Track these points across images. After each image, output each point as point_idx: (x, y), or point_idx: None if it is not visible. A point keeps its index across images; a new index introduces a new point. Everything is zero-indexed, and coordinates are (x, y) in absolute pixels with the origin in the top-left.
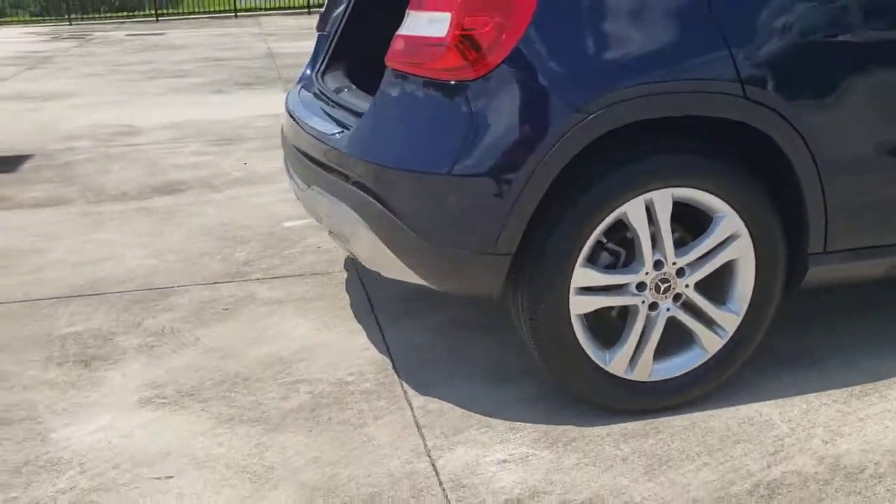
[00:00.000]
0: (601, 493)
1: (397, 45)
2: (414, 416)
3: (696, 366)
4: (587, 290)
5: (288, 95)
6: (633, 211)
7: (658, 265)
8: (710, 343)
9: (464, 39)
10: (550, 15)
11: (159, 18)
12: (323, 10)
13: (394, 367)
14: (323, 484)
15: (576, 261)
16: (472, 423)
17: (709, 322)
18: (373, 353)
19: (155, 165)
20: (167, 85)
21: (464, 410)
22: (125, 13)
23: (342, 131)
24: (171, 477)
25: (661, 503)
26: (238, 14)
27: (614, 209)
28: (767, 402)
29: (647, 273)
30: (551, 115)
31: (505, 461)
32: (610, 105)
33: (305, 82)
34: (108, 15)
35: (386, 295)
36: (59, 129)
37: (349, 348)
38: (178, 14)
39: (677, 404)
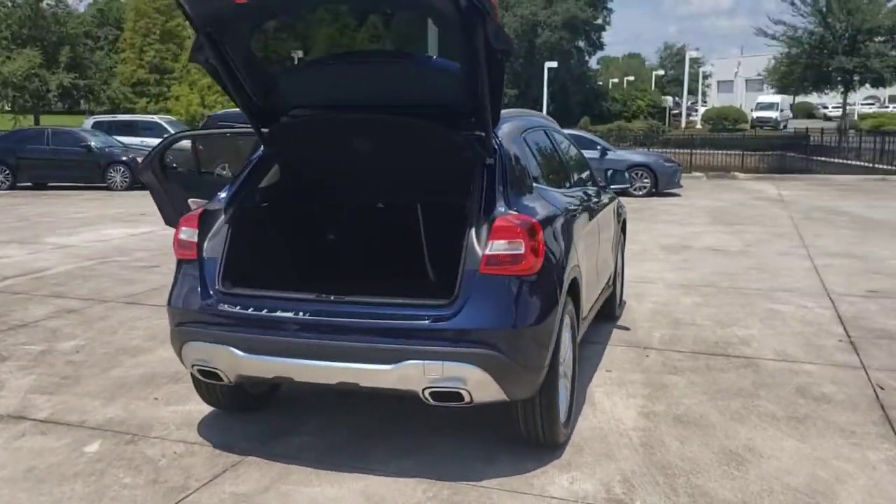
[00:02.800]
0: (632, 470)
1: (487, 259)
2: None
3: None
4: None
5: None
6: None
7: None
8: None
9: (532, 252)
10: (548, 238)
11: None
12: (196, 239)
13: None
14: None
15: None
16: (532, 477)
17: (570, 378)
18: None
19: None
20: None
21: (519, 475)
22: None
23: (429, 319)
24: None
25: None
26: None
27: None
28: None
29: (565, 361)
30: (562, 283)
31: (571, 482)
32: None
33: (222, 297)
34: None
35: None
36: None
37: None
38: None
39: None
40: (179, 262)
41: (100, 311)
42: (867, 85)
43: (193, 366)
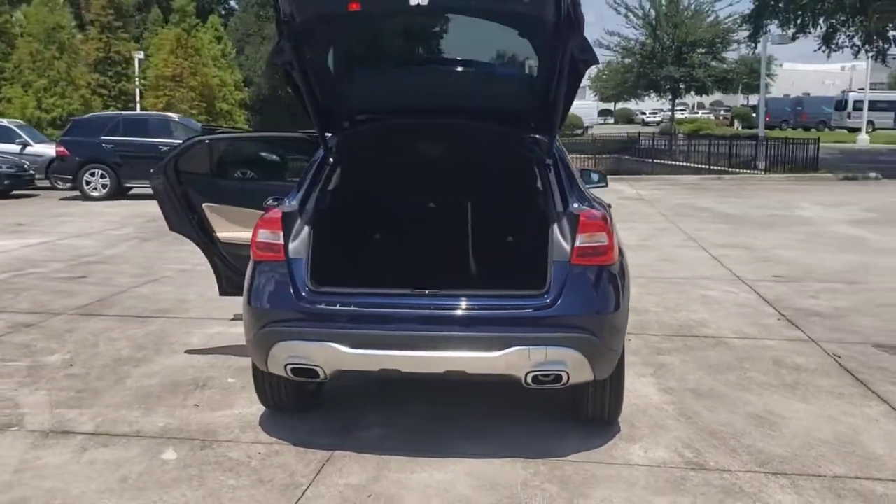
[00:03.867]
0: (687, 437)
1: (579, 251)
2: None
3: None
4: None
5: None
6: None
7: None
8: None
9: (612, 243)
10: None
11: None
12: (281, 241)
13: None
14: None
15: None
16: (609, 450)
17: None
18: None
19: None
20: None
21: (595, 449)
22: None
23: (530, 308)
24: None
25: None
26: None
27: None
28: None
29: None
30: (626, 271)
31: (644, 451)
32: None
33: (318, 296)
34: None
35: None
36: None
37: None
38: None
39: None
40: (256, 264)
41: (60, 325)
42: (692, 92)
43: (286, 365)
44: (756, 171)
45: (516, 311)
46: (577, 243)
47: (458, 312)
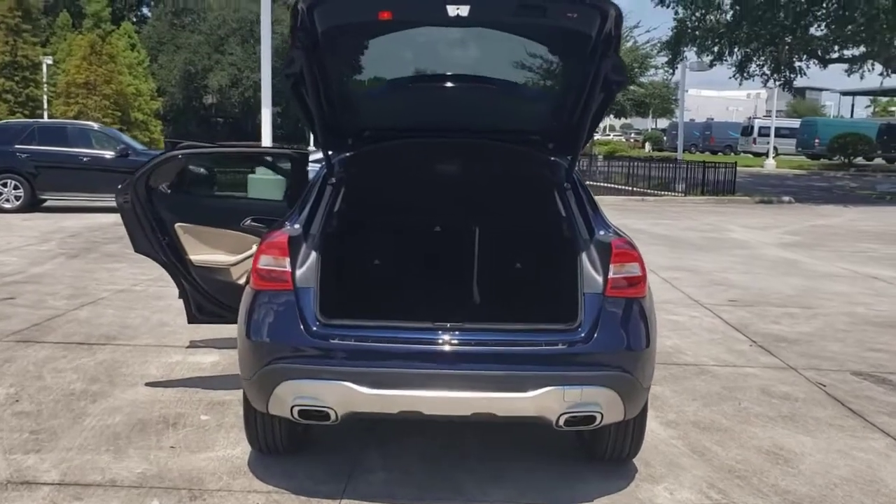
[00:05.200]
0: (707, 476)
1: (613, 283)
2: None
3: None
4: None
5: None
6: None
7: None
8: None
9: (646, 277)
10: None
11: None
12: (288, 268)
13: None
14: None
15: None
16: (633, 492)
17: None
18: None
19: None
20: None
21: (620, 491)
22: None
23: (563, 344)
24: None
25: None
26: None
27: None
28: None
29: None
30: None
31: (670, 492)
32: None
33: (330, 330)
34: None
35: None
36: None
37: None
38: None
39: None
40: (258, 293)
41: None
42: (612, 115)
43: (293, 406)
44: (676, 194)
45: (548, 347)
46: (611, 274)
47: (486, 348)
